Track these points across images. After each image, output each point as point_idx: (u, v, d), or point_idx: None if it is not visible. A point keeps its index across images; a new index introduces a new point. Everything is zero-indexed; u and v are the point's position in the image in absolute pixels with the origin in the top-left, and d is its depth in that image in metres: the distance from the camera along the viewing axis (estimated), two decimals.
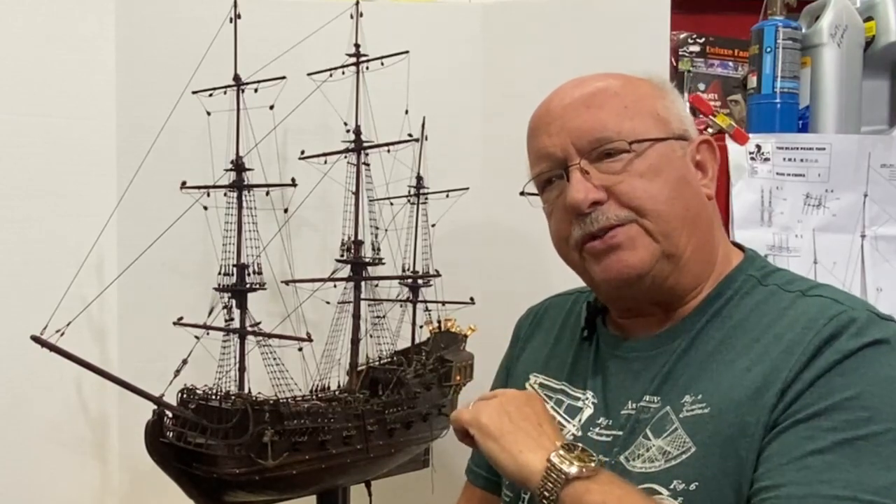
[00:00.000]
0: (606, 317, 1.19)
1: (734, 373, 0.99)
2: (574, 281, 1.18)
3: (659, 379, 1.05)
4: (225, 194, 1.64)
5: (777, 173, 1.75)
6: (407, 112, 1.78)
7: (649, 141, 1.05)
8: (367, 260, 1.74)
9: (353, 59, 1.71)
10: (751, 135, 1.75)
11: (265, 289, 1.64)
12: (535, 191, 1.15)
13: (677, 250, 1.05)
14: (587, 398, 1.13)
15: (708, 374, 1.01)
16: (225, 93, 1.63)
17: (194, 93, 1.63)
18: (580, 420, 1.12)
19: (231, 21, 1.62)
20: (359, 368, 1.74)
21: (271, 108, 1.64)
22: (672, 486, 0.97)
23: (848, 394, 0.90)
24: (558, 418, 1.14)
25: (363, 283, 1.73)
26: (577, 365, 1.18)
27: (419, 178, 1.84)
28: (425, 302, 1.86)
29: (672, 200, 1.05)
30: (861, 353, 0.92)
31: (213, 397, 1.53)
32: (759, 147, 1.74)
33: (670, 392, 1.03)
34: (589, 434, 1.10)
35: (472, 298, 1.84)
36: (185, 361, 1.55)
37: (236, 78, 1.62)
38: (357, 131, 1.71)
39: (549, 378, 1.21)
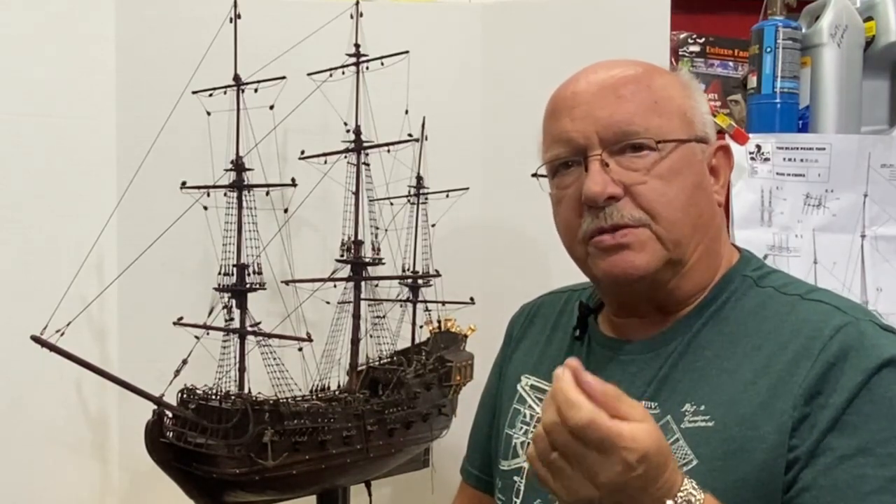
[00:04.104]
0: (599, 317, 1.18)
1: (737, 384, 0.98)
2: (573, 280, 1.18)
3: (656, 383, 1.04)
4: (225, 194, 1.64)
5: (777, 173, 1.75)
6: (407, 112, 1.78)
7: (675, 142, 1.03)
8: (367, 260, 1.74)
9: (353, 59, 1.71)
10: (751, 135, 1.75)
11: (265, 289, 1.64)
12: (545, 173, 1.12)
13: (683, 257, 1.04)
14: None
15: (709, 382, 1.00)
16: (225, 93, 1.63)
17: (194, 93, 1.63)
18: None
19: (231, 21, 1.62)
20: (359, 368, 1.74)
21: (271, 108, 1.64)
22: None
23: (883, 423, 0.91)
24: None
25: (363, 283, 1.72)
26: None
27: (419, 178, 1.84)
28: (425, 302, 1.86)
29: (687, 207, 1.03)
30: (882, 374, 0.92)
31: (213, 397, 1.53)
32: (759, 147, 1.75)
33: (669, 398, 1.02)
34: None
35: (472, 298, 1.84)
36: (185, 361, 1.55)
37: (236, 78, 1.62)
38: (357, 131, 1.71)
39: (541, 380, 1.19)
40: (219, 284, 1.60)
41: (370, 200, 1.75)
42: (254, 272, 1.62)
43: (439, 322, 1.87)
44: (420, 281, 1.85)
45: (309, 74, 1.69)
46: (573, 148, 1.05)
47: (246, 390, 1.57)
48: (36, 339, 1.40)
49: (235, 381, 1.57)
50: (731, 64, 1.94)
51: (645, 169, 1.02)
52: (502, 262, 1.90)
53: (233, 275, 1.61)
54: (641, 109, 1.03)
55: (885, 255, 1.77)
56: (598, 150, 1.03)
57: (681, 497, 0.84)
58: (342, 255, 1.72)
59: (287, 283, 1.70)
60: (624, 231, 1.02)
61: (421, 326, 1.87)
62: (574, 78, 1.09)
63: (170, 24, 1.79)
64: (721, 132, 1.71)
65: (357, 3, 1.73)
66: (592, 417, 0.80)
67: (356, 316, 1.71)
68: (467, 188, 1.84)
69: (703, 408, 0.99)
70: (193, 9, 1.76)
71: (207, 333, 1.58)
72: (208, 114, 1.65)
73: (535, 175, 1.13)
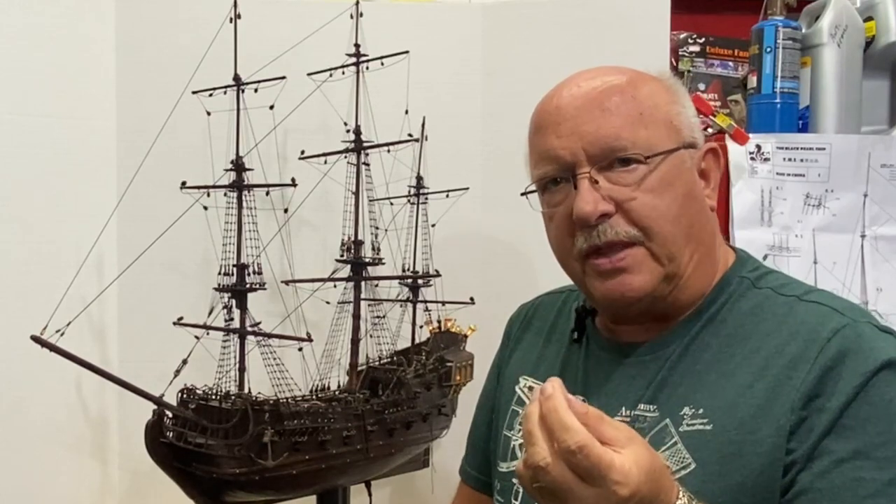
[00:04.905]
0: (597, 319, 1.17)
1: (735, 388, 0.98)
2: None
3: (654, 386, 1.03)
4: (225, 194, 1.64)
5: (777, 173, 1.75)
6: (407, 112, 1.78)
7: (663, 154, 1.02)
8: (367, 260, 1.74)
9: (353, 59, 1.71)
10: (751, 135, 1.75)
11: (265, 289, 1.64)
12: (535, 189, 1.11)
13: (679, 270, 1.04)
14: None
15: (707, 385, 1.00)
16: (225, 93, 1.63)
17: (194, 93, 1.63)
18: None
19: (231, 21, 1.62)
20: (359, 368, 1.74)
21: (271, 108, 1.64)
22: None
23: (881, 426, 0.90)
24: None
25: (363, 283, 1.73)
26: (567, 368, 1.16)
27: (419, 178, 1.84)
28: (425, 302, 1.86)
29: (679, 218, 1.02)
30: (880, 377, 0.92)
31: (213, 397, 1.53)
32: (759, 147, 1.74)
33: (668, 401, 1.02)
34: None
35: (472, 298, 1.84)
36: (185, 361, 1.55)
37: (236, 78, 1.62)
38: (357, 131, 1.72)
39: (538, 381, 1.19)
40: (219, 284, 1.61)
41: (370, 200, 1.75)
42: (254, 272, 1.62)
43: (439, 322, 1.87)
44: (420, 281, 1.85)
45: (309, 74, 1.69)
46: (561, 165, 1.04)
47: (246, 390, 1.57)
48: (36, 339, 1.40)
49: (235, 381, 1.57)
50: (731, 64, 1.94)
51: (635, 183, 1.01)
52: (502, 262, 1.90)
53: (233, 275, 1.61)
54: (628, 122, 1.01)
55: (885, 255, 1.76)
56: (587, 167, 1.01)
57: None
58: (342, 255, 1.72)
59: (287, 283, 1.70)
60: (621, 255, 1.01)
61: (421, 326, 1.87)
62: (557, 90, 1.07)
63: (170, 24, 1.79)
64: (721, 132, 1.71)
65: (357, 3, 1.73)
66: (586, 442, 0.77)
67: (356, 316, 1.71)
68: (467, 188, 1.84)
69: (701, 411, 0.98)
70: (193, 9, 1.76)
71: (207, 333, 1.58)
72: (208, 114, 1.65)
73: (524, 194, 1.12)
